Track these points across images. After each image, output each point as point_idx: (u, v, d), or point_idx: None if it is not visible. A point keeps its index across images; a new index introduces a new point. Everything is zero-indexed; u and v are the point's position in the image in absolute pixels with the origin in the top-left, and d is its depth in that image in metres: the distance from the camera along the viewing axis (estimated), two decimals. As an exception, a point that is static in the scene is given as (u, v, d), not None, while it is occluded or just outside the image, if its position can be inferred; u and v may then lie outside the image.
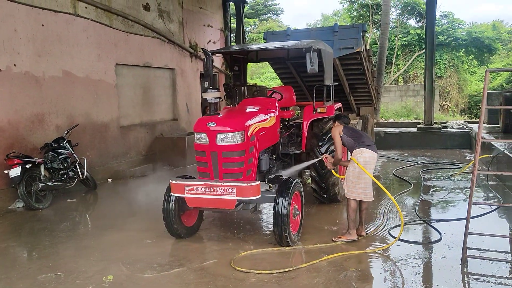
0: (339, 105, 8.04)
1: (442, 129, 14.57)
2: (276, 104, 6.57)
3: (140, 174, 10.53)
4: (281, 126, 6.87)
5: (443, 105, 23.85)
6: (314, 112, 7.07)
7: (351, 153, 5.73)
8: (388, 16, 18.74)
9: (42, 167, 7.79)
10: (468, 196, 5.31)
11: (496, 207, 6.79)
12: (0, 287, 4.57)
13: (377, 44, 21.37)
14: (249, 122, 5.54)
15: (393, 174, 9.98)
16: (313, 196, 7.37)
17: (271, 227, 5.63)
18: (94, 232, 6.40)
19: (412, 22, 27.01)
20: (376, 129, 14.15)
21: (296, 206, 5.56)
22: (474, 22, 29.06)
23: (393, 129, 15.46)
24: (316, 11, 71.04)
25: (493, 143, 9.90)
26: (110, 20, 10.26)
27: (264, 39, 10.04)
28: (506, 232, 6.05)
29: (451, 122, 16.25)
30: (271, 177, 6.24)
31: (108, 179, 10.00)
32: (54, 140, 8.39)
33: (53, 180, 7.98)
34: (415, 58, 24.92)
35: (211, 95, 5.42)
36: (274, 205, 5.19)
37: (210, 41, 15.15)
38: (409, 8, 25.87)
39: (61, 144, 8.33)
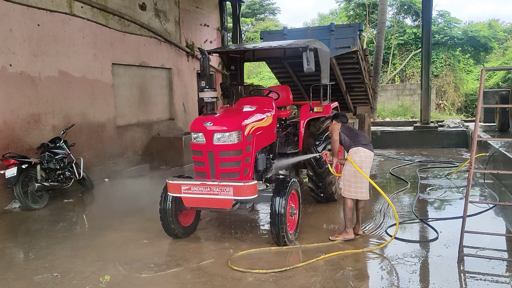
0: (335, 104, 8.05)
1: (439, 128, 14.60)
2: (273, 104, 6.57)
3: (137, 174, 10.51)
4: (278, 125, 6.88)
5: (440, 104, 23.91)
6: (311, 112, 7.08)
7: (347, 152, 5.74)
8: (385, 15, 18.74)
9: (38, 167, 7.76)
10: (464, 194, 5.33)
11: (492, 205, 6.82)
12: (-4, 288, 4.56)
13: (373, 43, 21.39)
14: (246, 121, 5.53)
15: (390, 173, 10.00)
16: (310, 195, 7.37)
17: (268, 226, 5.63)
18: (91, 232, 6.39)
19: (408, 21, 27.08)
20: (373, 128, 14.18)
21: (293, 205, 5.56)
22: (470, 21, 29.19)
23: (389, 128, 15.48)
24: (312, 10, 71.13)
25: (489, 141, 9.93)
26: (106, 20, 10.23)
27: (260, 38, 10.03)
28: (502, 230, 6.07)
29: (447, 121, 16.28)
30: (268, 176, 6.24)
31: (105, 179, 9.97)
32: (50, 140, 8.37)
33: (49, 181, 7.95)
34: (411, 57, 24.97)
35: (208, 95, 5.42)
36: (271, 204, 5.19)
37: (206, 40, 15.14)
38: (406, 7, 25.92)
39: (57, 144, 8.30)
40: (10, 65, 7.96)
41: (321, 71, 6.90)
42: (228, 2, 16.85)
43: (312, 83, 7.28)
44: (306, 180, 7.54)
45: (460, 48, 25.45)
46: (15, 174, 7.28)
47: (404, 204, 7.37)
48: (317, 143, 6.90)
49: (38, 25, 8.49)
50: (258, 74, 29.40)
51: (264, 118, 6.03)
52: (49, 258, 5.29)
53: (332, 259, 5.01)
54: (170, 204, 5.51)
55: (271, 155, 6.68)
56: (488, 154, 9.77)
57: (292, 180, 5.47)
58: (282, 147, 7.02)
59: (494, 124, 13.26)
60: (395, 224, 5.96)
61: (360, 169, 5.40)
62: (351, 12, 27.28)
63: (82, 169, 8.67)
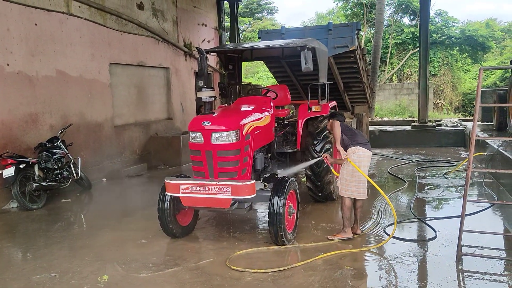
0: (333, 103, 8.05)
1: (437, 127, 14.62)
2: (271, 103, 6.57)
3: (135, 174, 10.51)
4: (276, 124, 6.87)
5: (437, 103, 23.95)
6: (309, 111, 7.07)
7: (345, 151, 5.73)
8: (382, 14, 18.78)
9: (36, 167, 7.74)
10: (462, 193, 5.33)
11: (490, 204, 6.83)
12: (-6, 288, 4.54)
13: (371, 42, 21.41)
14: (244, 121, 5.53)
15: (388, 172, 10.01)
16: (308, 194, 7.38)
17: (266, 226, 5.62)
18: (89, 232, 6.37)
19: (406, 20, 27.14)
20: (371, 127, 14.18)
21: (292, 204, 5.56)
22: (468, 20, 29.22)
23: (387, 127, 15.51)
24: (310, 9, 71.13)
25: (487, 140, 9.95)
26: (103, 19, 10.21)
27: (258, 37, 10.03)
28: (500, 229, 6.08)
29: (445, 120, 16.31)
30: (266, 175, 6.23)
31: (103, 179, 9.97)
32: (48, 140, 8.34)
33: (47, 180, 7.93)
34: (409, 56, 25.01)
35: (206, 94, 5.41)
36: (269, 204, 5.19)
37: (204, 40, 15.13)
38: (403, 6, 25.95)
39: (55, 144, 8.28)
40: (8, 64, 7.94)
41: (319, 70, 6.90)
42: (226, 2, 16.84)
43: (310, 82, 7.28)
44: (304, 179, 7.54)
45: (457, 48, 25.50)
46: (13, 174, 7.26)
47: (402, 203, 7.37)
48: (315, 142, 6.90)
49: (36, 24, 8.47)
50: (256, 73, 29.39)
51: (262, 117, 6.03)
52: (47, 258, 5.28)
53: (330, 258, 5.01)
54: (168, 204, 5.50)
55: (269, 155, 6.68)
56: (486, 153, 9.79)
57: (290, 179, 5.46)
58: (280, 147, 7.01)
59: (492, 123, 13.28)
60: (393, 223, 5.98)
61: (359, 168, 5.40)
62: (349, 11, 27.32)
63: (80, 169, 8.65)
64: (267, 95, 7.07)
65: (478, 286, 4.29)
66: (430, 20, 16.70)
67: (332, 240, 5.57)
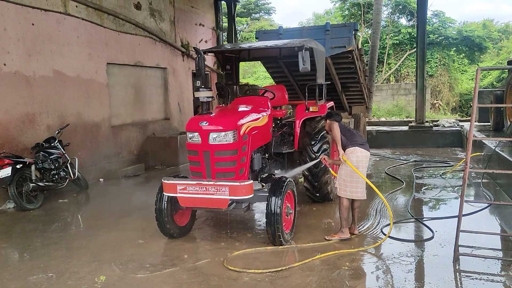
0: (331, 104, 8.05)
1: (434, 128, 14.64)
2: (269, 103, 6.57)
3: (132, 174, 10.49)
4: (273, 125, 6.87)
5: (435, 104, 24.00)
6: (307, 111, 7.08)
7: (343, 151, 5.73)
8: (380, 15, 18.79)
9: (33, 167, 7.72)
10: (460, 194, 5.34)
11: (487, 205, 6.85)
12: (-10, 288, 4.53)
13: (368, 43, 21.45)
14: (242, 121, 5.53)
15: (385, 172, 10.02)
16: (306, 195, 7.38)
17: (264, 226, 5.62)
18: (86, 232, 6.36)
19: (403, 21, 27.16)
20: (368, 128, 14.20)
21: (289, 205, 5.56)
22: (465, 21, 29.28)
23: (385, 128, 15.53)
24: (307, 10, 71.25)
25: (484, 141, 9.97)
26: (101, 19, 10.19)
27: (256, 38, 10.03)
28: (497, 229, 6.09)
29: (442, 120, 16.34)
30: (264, 176, 6.23)
31: (100, 179, 9.95)
32: (45, 140, 8.33)
33: (44, 181, 7.91)
34: (406, 57, 25.05)
35: (203, 94, 5.40)
36: (267, 204, 5.19)
37: (202, 40, 15.12)
38: (401, 7, 25.98)
39: (52, 144, 8.26)
40: (5, 64, 7.92)
41: (316, 70, 6.91)
42: (223, 2, 16.82)
43: (308, 82, 7.28)
44: (302, 179, 7.54)
45: (454, 48, 25.55)
46: (10, 174, 7.25)
47: (399, 204, 7.39)
48: (312, 142, 6.90)
49: (33, 24, 8.45)
50: (254, 73, 29.37)
51: (259, 117, 6.03)
52: (44, 259, 5.26)
53: (328, 258, 5.02)
54: (165, 204, 5.50)
55: (266, 155, 6.68)
56: (483, 153, 9.81)
57: (287, 179, 5.47)
58: (278, 147, 7.02)
59: (489, 123, 13.31)
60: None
61: (357, 169, 5.41)
62: (346, 12, 27.33)
63: (77, 169, 8.63)
64: (264, 95, 7.07)
65: (475, 286, 4.30)
66: (427, 20, 16.75)
67: (330, 240, 5.58)
